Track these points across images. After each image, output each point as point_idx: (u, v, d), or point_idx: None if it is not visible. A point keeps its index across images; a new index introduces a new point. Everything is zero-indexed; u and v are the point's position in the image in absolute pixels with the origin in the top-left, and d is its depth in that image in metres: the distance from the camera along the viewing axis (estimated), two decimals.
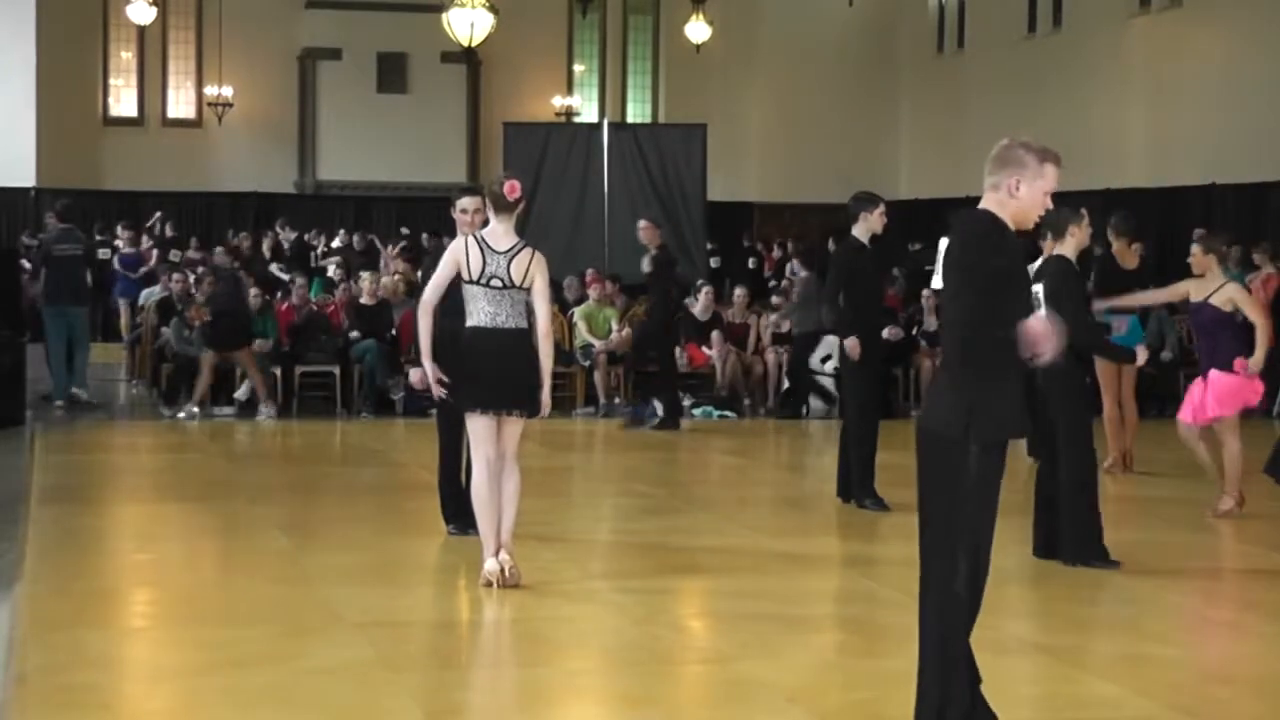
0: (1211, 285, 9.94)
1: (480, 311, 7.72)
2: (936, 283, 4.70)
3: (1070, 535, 8.42)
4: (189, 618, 7.40)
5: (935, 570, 5.16)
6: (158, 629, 7.36)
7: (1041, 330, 4.87)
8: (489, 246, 7.68)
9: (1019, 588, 8.14)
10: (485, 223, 8.12)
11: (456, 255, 7.78)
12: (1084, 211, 8.81)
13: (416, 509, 10.10)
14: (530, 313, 7.85)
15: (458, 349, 7.90)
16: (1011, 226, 5.09)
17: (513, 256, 7.67)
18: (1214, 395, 10.03)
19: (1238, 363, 9.87)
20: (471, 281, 7.69)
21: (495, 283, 7.66)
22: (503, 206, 7.74)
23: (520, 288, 7.70)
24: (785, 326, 17.41)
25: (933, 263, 20.80)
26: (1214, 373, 10.00)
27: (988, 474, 5.08)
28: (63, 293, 16.19)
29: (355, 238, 25.44)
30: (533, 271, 7.70)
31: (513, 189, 7.73)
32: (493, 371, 7.71)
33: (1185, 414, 10.14)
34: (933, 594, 5.19)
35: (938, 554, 5.15)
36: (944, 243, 5.28)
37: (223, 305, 16.19)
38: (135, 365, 18.82)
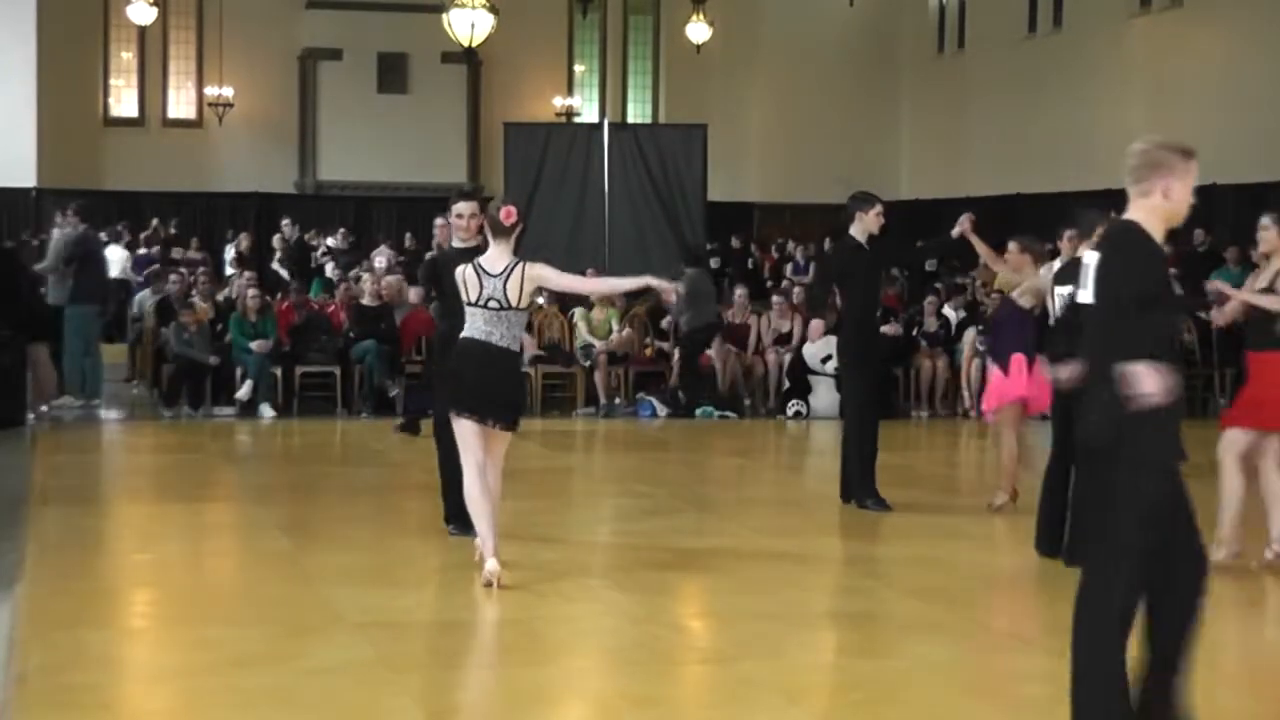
0: (1019, 281, 10.24)
1: (477, 329, 7.93)
2: (1085, 297, 4.68)
3: (1075, 536, 8.42)
4: (189, 618, 7.40)
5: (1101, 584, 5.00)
6: (158, 629, 7.36)
7: (1144, 374, 4.75)
8: (485, 271, 7.87)
9: (1020, 588, 8.14)
10: (480, 228, 8.33)
11: (462, 277, 7.98)
12: (1114, 214, 8.80)
13: (416, 509, 10.11)
14: (522, 334, 8.13)
15: (457, 350, 8.09)
16: (1163, 231, 5.06)
17: (507, 277, 7.84)
18: (989, 389, 10.45)
19: (1015, 359, 10.15)
20: (471, 304, 7.91)
21: (493, 304, 7.85)
22: (500, 231, 7.93)
23: (517, 309, 7.88)
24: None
25: (933, 258, 20.85)
26: (996, 369, 10.34)
27: (1162, 493, 4.88)
28: (89, 293, 16.30)
29: (339, 237, 25.24)
30: (529, 284, 7.87)
31: (509, 214, 7.90)
32: (479, 381, 7.89)
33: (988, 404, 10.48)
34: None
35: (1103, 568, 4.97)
36: (1092, 255, 5.22)
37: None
38: (135, 366, 18.84)
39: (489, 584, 7.77)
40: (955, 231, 10.48)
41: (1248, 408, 8.39)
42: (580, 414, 17.03)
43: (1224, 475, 8.38)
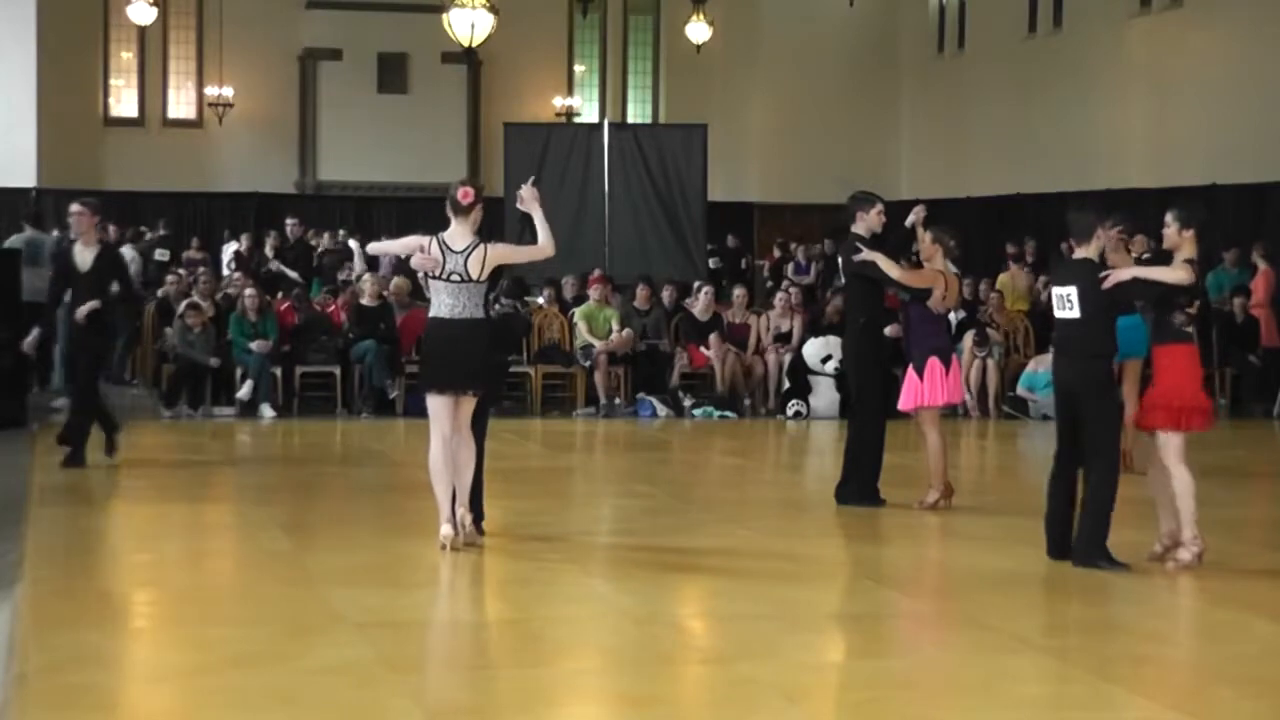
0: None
1: (441, 304, 8.57)
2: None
3: (1085, 538, 8.42)
4: (189, 618, 7.40)
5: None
6: (158, 629, 7.36)
7: None
8: (449, 247, 8.52)
9: (1021, 588, 8.14)
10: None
11: (419, 244, 8.61)
12: (1107, 216, 8.85)
13: (416, 509, 10.09)
14: (486, 305, 8.71)
15: (425, 330, 8.85)
16: None
17: (469, 254, 8.50)
18: (905, 390, 10.51)
19: (931, 362, 10.33)
20: (434, 277, 8.55)
21: (455, 278, 8.50)
22: (459, 210, 8.59)
23: (478, 281, 8.53)
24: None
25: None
26: (911, 368, 10.48)
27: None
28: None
29: (327, 238, 25.06)
30: (490, 260, 8.54)
31: (466, 194, 8.56)
32: (448, 357, 8.54)
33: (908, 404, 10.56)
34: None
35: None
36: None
37: None
38: (135, 366, 18.83)
39: (444, 547, 8.45)
40: (908, 221, 10.57)
41: (1169, 406, 8.43)
42: (580, 414, 17.03)
43: (1178, 478, 8.41)
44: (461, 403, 8.62)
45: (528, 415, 16.63)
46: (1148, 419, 8.56)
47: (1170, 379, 8.46)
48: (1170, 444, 8.43)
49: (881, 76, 31.42)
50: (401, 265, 19.98)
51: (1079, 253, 8.59)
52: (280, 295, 18.43)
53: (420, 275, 8.91)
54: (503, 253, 8.71)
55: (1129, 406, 11.58)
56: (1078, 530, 8.47)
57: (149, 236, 23.99)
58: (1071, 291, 8.45)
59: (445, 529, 8.55)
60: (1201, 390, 8.61)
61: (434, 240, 8.54)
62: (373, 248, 10.38)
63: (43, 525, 9.63)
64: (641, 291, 18.11)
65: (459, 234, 8.55)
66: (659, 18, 33.32)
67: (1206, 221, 8.76)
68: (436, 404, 8.60)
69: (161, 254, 23.59)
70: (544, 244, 8.81)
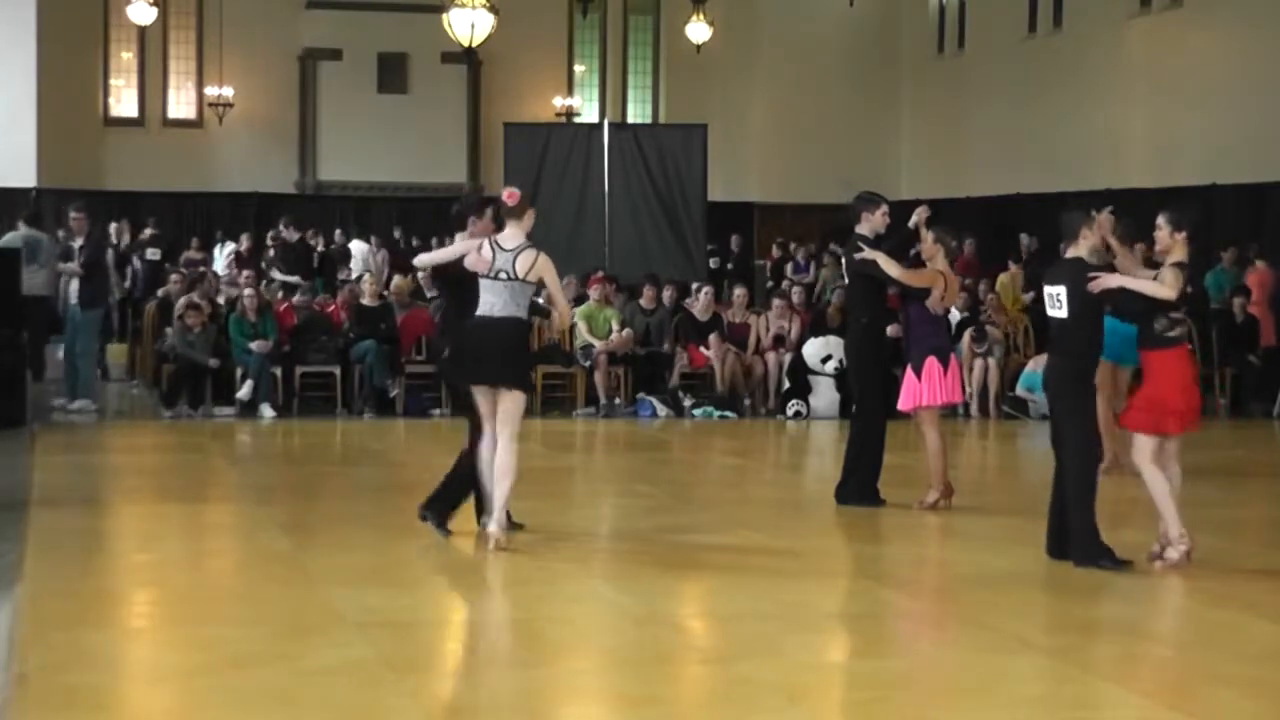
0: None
1: (486, 303, 8.75)
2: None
3: (1080, 536, 8.42)
4: (189, 618, 7.40)
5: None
6: (158, 629, 7.36)
7: None
8: (499, 246, 8.76)
9: (1021, 588, 8.14)
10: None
11: (473, 247, 8.87)
12: (1094, 214, 8.88)
13: (416, 509, 10.09)
14: (530, 306, 8.97)
15: (465, 329, 8.94)
16: None
17: (518, 254, 8.72)
18: (904, 390, 10.49)
19: (929, 361, 10.33)
20: (485, 276, 8.75)
21: (502, 275, 8.71)
22: (508, 213, 8.88)
23: (524, 280, 8.73)
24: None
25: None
26: (910, 368, 10.47)
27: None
28: (100, 295, 16.45)
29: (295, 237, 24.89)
30: (539, 269, 8.73)
31: (511, 195, 8.90)
32: (487, 353, 8.71)
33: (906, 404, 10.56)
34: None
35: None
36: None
37: None
38: (135, 365, 18.83)
39: (493, 545, 8.56)
40: (911, 222, 10.55)
41: (1148, 409, 8.48)
42: (580, 414, 17.03)
43: (1149, 479, 8.43)
44: (502, 399, 8.72)
45: (528, 415, 16.58)
46: (1126, 418, 8.63)
47: (1155, 383, 8.49)
48: (1142, 445, 8.44)
49: (881, 76, 31.43)
50: (400, 264, 20.04)
51: (1070, 252, 8.63)
52: (280, 295, 18.42)
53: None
54: (549, 275, 8.82)
55: (1101, 408, 11.65)
56: (1073, 530, 8.47)
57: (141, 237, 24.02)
58: (1061, 291, 8.48)
59: (493, 526, 8.66)
60: (1189, 393, 8.59)
61: (487, 242, 8.77)
62: (421, 260, 10.22)
63: (43, 525, 9.62)
64: (648, 291, 18.14)
65: (511, 235, 8.79)
66: (659, 18, 33.34)
67: (1200, 223, 8.78)
68: (480, 399, 8.79)
69: (153, 253, 23.58)
70: (564, 311, 9.52)
